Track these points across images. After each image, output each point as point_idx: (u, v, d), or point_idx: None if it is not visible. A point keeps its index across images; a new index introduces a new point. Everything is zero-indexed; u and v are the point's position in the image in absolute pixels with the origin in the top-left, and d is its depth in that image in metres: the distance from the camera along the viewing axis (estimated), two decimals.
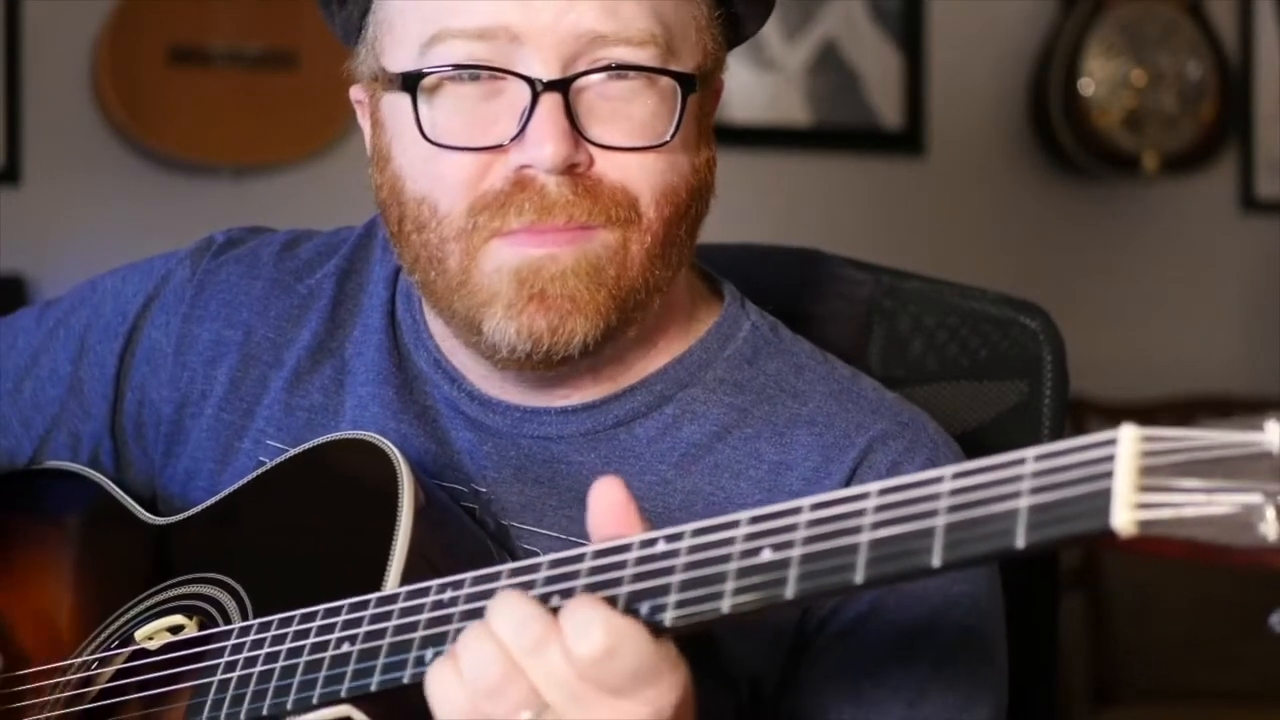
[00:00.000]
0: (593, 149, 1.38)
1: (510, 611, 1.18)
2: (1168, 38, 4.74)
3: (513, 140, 1.38)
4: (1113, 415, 4.59)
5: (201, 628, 1.43)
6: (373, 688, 1.25)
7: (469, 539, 1.44)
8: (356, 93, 1.50)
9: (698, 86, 1.41)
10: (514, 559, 1.44)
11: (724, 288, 1.55)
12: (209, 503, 1.53)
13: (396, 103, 1.43)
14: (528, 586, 1.20)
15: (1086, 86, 4.69)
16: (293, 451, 1.49)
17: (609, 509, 1.21)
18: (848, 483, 1.43)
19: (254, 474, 1.51)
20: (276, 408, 1.56)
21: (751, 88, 4.55)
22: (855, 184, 4.65)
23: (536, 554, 1.43)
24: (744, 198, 4.43)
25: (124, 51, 4.00)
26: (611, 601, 1.17)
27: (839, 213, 4.61)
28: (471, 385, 1.50)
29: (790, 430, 1.46)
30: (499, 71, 1.38)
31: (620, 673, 1.15)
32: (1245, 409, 4.67)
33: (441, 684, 1.19)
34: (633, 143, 1.39)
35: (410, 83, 1.40)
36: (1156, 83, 4.75)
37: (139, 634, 1.45)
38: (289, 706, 1.29)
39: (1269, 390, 4.75)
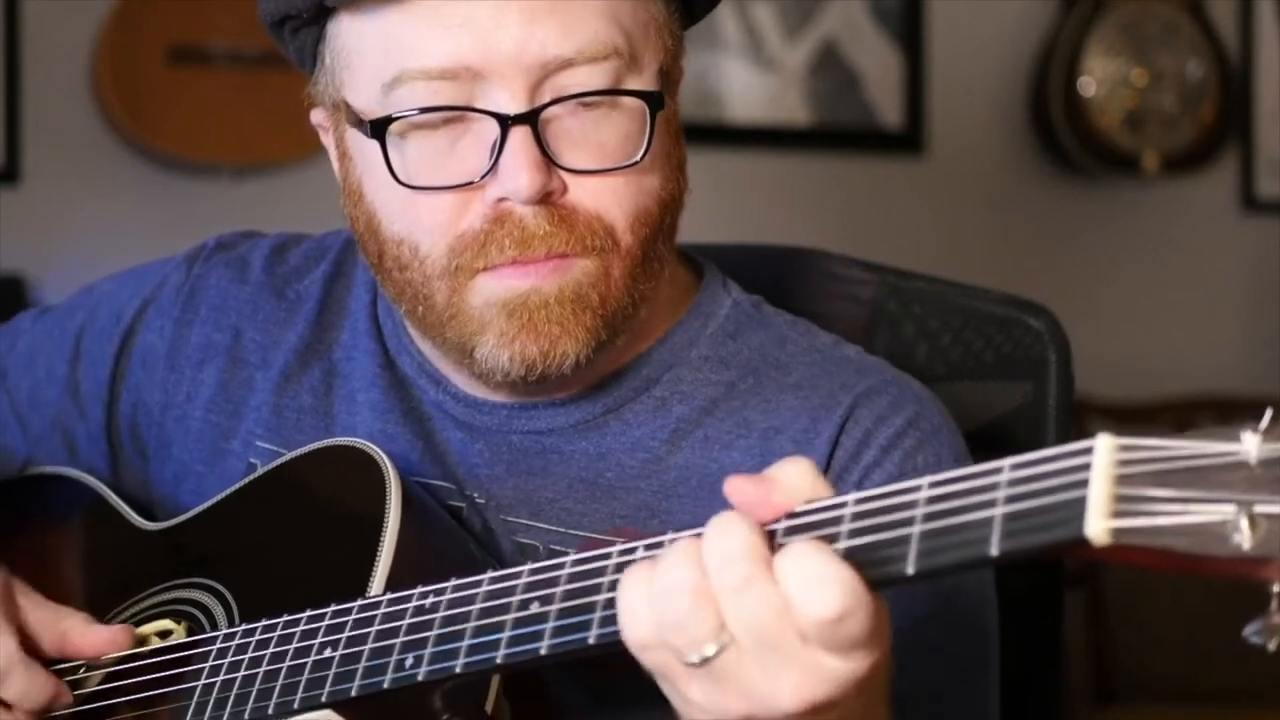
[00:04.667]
0: (565, 174, 1.38)
1: (722, 540, 1.08)
2: (1168, 38, 4.73)
3: (486, 175, 1.38)
4: (1113, 415, 4.58)
5: (190, 633, 1.43)
6: (353, 693, 1.26)
7: (455, 543, 1.44)
8: (318, 116, 1.49)
9: (665, 101, 1.41)
10: (500, 561, 1.45)
11: (705, 267, 1.56)
12: (200, 508, 1.53)
13: (364, 143, 1.42)
14: (507, 594, 1.20)
15: (1086, 86, 4.68)
16: (283, 458, 1.50)
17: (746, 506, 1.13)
18: (835, 441, 1.44)
19: (245, 480, 1.52)
20: (265, 409, 1.57)
21: (751, 88, 4.54)
22: (855, 184, 4.64)
23: (536, 548, 1.46)
24: (744, 198, 4.43)
25: (124, 51, 4.00)
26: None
27: (839, 213, 4.61)
28: (457, 388, 1.51)
29: (777, 397, 1.47)
30: (466, 111, 1.38)
31: (844, 637, 1.06)
32: (1246, 409, 4.65)
33: (631, 593, 1.11)
34: (605, 165, 1.39)
35: (378, 130, 1.39)
36: (1156, 83, 4.74)
37: None
38: (270, 711, 1.30)
39: (1269, 390, 4.73)
